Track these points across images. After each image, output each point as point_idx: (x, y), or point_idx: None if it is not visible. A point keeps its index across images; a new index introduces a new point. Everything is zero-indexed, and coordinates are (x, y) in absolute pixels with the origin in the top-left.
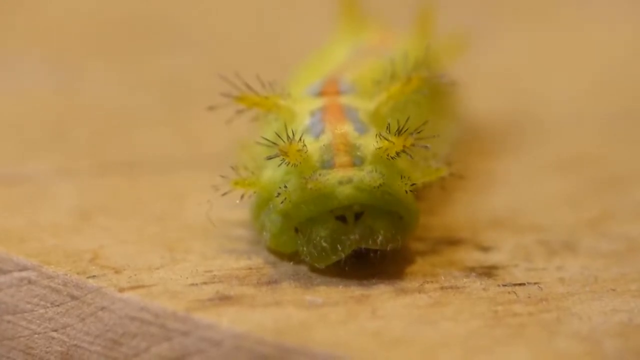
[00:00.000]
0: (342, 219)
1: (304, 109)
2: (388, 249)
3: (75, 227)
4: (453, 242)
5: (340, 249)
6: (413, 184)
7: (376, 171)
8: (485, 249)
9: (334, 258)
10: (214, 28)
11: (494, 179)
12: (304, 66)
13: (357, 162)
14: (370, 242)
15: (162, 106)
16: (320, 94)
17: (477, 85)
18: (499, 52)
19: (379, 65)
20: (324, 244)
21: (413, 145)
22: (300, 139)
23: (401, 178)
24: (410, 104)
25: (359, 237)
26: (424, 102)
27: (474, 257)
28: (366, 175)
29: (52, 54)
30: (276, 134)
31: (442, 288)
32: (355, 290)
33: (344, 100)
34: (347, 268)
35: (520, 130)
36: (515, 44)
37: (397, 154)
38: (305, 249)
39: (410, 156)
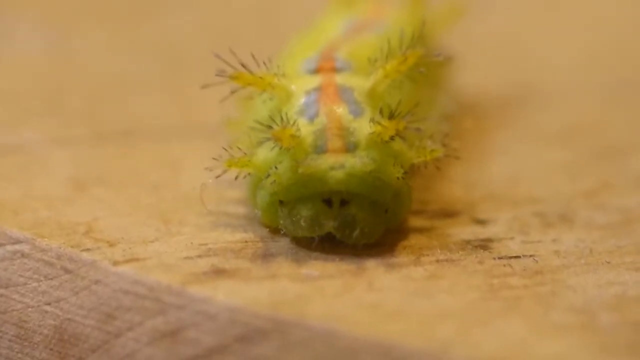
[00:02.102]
0: (327, 202)
1: (299, 88)
2: (360, 245)
3: (69, 198)
4: (449, 214)
5: (316, 229)
6: (405, 172)
7: (368, 157)
8: (481, 221)
9: (307, 234)
10: None
11: (491, 149)
12: (298, 39)
13: (351, 147)
14: (346, 232)
15: (158, 73)
16: (316, 70)
17: (474, 54)
18: (496, 21)
19: (374, 39)
20: (303, 223)
21: (406, 128)
22: (294, 123)
23: (394, 165)
24: (406, 80)
25: (338, 224)
26: (419, 77)
27: (470, 230)
28: (358, 161)
29: (47, 20)
30: (270, 117)
31: (438, 261)
32: (351, 263)
33: (340, 79)
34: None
35: (518, 101)
36: (513, 12)
37: (391, 137)
38: (283, 221)
39: (404, 139)
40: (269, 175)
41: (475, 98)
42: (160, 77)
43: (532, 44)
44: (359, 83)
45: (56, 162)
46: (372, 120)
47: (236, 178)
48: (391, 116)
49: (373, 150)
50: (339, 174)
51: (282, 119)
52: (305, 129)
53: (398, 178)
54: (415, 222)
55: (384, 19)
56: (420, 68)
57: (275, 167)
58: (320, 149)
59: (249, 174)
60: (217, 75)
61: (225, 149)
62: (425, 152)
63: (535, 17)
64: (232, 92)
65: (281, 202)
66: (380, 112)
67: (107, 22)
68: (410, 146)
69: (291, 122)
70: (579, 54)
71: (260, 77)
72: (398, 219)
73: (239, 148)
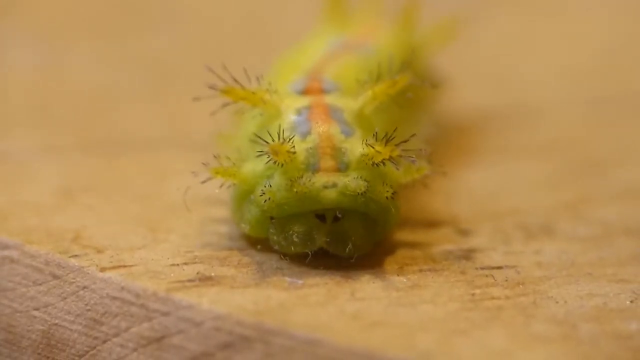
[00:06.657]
0: (320, 217)
1: (290, 106)
2: (353, 258)
3: (57, 205)
4: (432, 225)
5: (309, 244)
6: (394, 192)
7: (361, 178)
8: (464, 232)
9: (300, 250)
10: (200, 8)
11: (474, 162)
12: (285, 59)
13: (342, 167)
14: (339, 247)
15: (146, 85)
16: (304, 91)
17: (458, 71)
18: (482, 38)
19: (361, 60)
20: (295, 239)
21: (400, 156)
22: (290, 140)
23: (383, 184)
24: (393, 103)
25: (331, 239)
26: (406, 100)
27: (452, 240)
28: (351, 181)
29: (38, 33)
30: (267, 132)
31: (420, 271)
32: (335, 272)
33: (329, 99)
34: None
35: (501, 116)
36: (499, 30)
37: (382, 162)
38: (275, 237)
39: (395, 165)
40: (263, 193)
41: (459, 114)
42: (148, 89)
43: (515, 61)
44: (348, 104)
45: (45, 170)
46: (365, 142)
47: (220, 187)
48: (385, 141)
49: (364, 171)
50: (331, 194)
51: (278, 134)
52: (298, 146)
53: (387, 198)
54: (399, 232)
55: (373, 41)
56: (408, 93)
57: (270, 185)
58: (312, 167)
59: (234, 184)
60: (209, 88)
61: (215, 157)
62: (412, 170)
63: (518, 35)
64: (224, 106)
65: (272, 217)
66: (375, 136)
67: (97, 36)
68: (397, 166)
69: (288, 139)
70: (562, 71)
71: (252, 93)
72: (387, 231)
73: (228, 158)
